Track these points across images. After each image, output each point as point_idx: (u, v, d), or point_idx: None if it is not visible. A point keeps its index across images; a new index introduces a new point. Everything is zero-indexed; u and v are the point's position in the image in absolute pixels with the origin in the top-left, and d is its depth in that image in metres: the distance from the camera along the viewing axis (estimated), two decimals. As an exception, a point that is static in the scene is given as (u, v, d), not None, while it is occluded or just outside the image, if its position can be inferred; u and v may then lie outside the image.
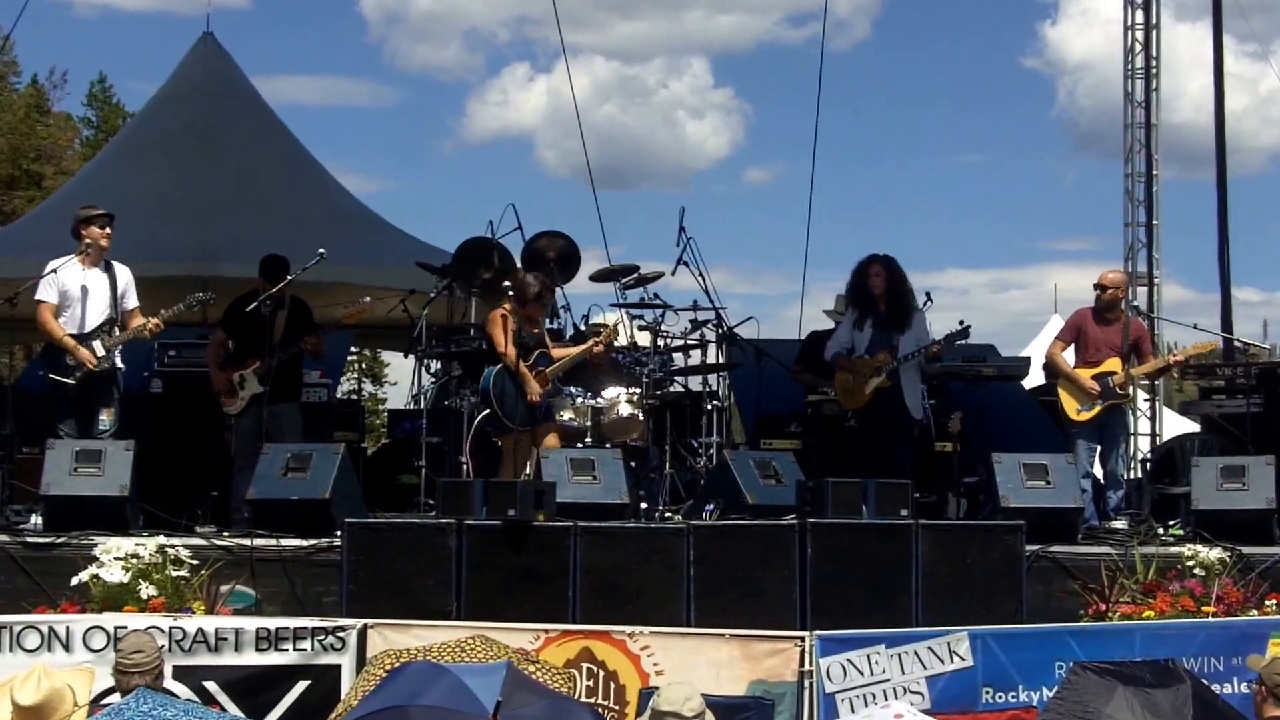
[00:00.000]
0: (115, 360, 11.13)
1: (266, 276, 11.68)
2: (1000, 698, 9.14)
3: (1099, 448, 12.42)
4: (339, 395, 16.72)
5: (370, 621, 8.91)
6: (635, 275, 13.18)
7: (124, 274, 11.32)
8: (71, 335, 11.00)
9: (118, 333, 11.12)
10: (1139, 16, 18.68)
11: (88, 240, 11.14)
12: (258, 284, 11.71)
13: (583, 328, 13.04)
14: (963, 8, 73.74)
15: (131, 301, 11.30)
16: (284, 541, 9.94)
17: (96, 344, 11.00)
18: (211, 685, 8.67)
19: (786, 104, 72.09)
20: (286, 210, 15.61)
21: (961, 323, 12.11)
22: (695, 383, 13.55)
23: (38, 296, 11.12)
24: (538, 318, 11.58)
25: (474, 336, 12.27)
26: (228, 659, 8.76)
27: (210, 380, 11.82)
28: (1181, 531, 11.36)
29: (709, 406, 12.87)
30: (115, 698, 7.16)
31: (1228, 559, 10.17)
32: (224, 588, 9.47)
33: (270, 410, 11.35)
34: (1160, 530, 11.47)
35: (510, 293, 11.41)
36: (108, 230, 11.20)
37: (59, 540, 9.84)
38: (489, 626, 8.58)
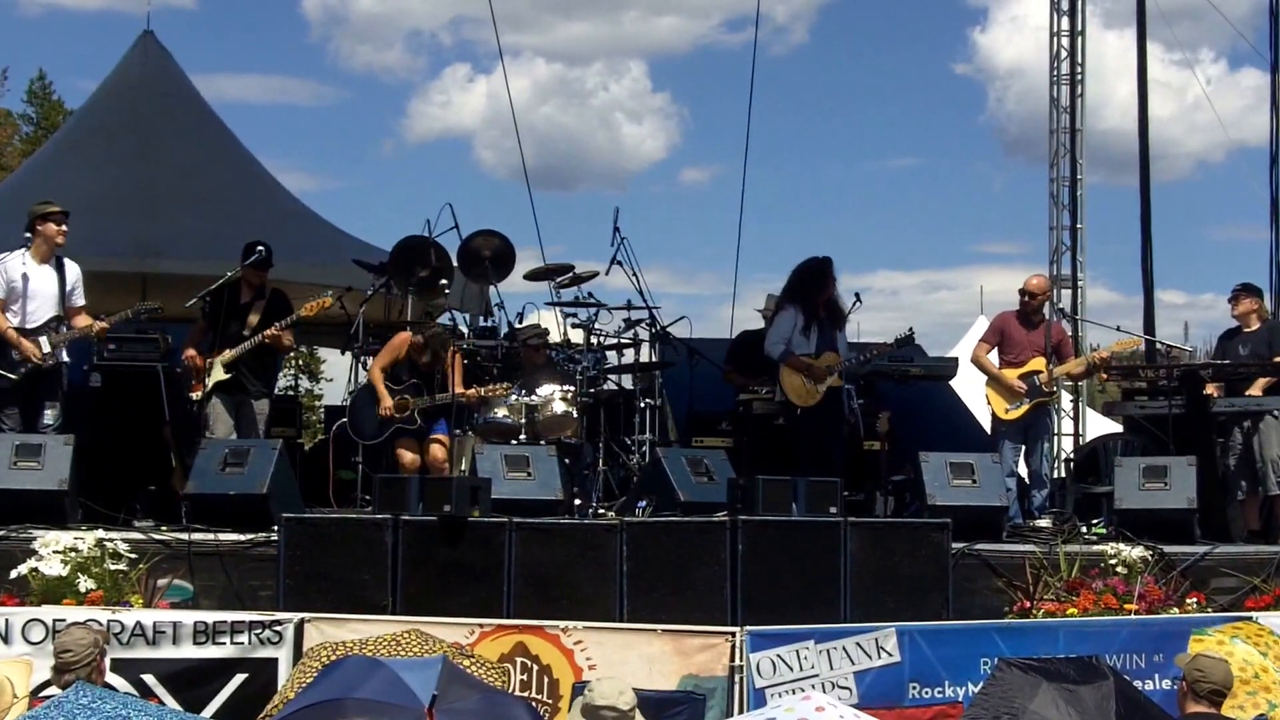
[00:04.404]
0: (61, 356, 11.12)
1: (254, 264, 11.79)
2: (927, 693, 9.28)
3: (1024, 447, 12.60)
4: (277, 391, 16.72)
5: (307, 615, 8.97)
6: (570, 274, 13.27)
7: (73, 271, 11.27)
8: (16, 329, 10.96)
9: (64, 330, 11.11)
10: (1065, 23, 18.96)
11: (43, 235, 11.12)
12: (242, 272, 11.77)
13: (517, 325, 13.16)
14: (897, 15, 73.74)
15: (79, 299, 11.28)
16: (221, 536, 9.98)
17: (43, 339, 10.96)
18: (149, 678, 8.71)
19: (724, 107, 71.99)
20: (225, 207, 15.57)
21: (910, 330, 12.41)
22: (628, 381, 13.69)
23: None
24: (420, 360, 11.79)
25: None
26: (165, 652, 8.80)
27: (145, 375, 11.87)
28: (1104, 530, 11.53)
29: (642, 404, 12.98)
30: (54, 690, 7.22)
31: (1149, 557, 10.38)
32: (161, 581, 9.55)
33: (241, 400, 11.60)
34: (1083, 529, 11.64)
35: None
36: (64, 228, 11.17)
37: (-3, 533, 9.83)
38: (424, 621, 8.69)
